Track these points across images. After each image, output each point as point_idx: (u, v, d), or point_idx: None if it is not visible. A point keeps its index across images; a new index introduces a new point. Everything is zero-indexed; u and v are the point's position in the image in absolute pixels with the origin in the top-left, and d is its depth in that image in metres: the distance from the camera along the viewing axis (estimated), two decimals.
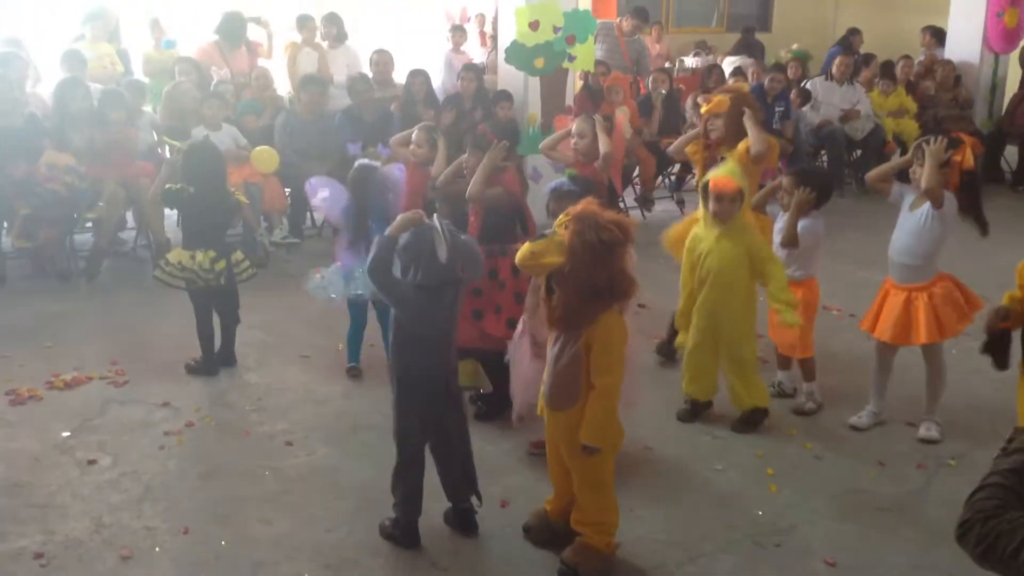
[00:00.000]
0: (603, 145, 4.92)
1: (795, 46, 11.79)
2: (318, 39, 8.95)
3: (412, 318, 3.24)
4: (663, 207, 8.85)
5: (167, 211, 6.95)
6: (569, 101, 8.12)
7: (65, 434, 4.23)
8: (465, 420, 3.49)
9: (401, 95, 8.18)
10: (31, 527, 3.48)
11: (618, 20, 10.28)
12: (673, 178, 9.29)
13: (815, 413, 4.49)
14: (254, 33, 9.06)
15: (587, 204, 3.04)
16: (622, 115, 8.02)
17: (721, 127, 4.81)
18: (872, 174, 4.40)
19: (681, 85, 9.68)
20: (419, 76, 8.13)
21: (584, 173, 4.82)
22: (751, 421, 4.31)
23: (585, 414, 3.08)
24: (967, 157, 4.13)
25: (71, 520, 3.53)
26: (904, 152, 4.47)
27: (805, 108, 9.46)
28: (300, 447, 4.14)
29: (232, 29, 8.38)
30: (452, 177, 4.73)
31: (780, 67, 9.63)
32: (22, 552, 3.32)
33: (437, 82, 8.96)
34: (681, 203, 8.82)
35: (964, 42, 10.27)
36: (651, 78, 9.11)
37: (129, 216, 7.31)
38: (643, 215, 8.56)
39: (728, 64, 10.71)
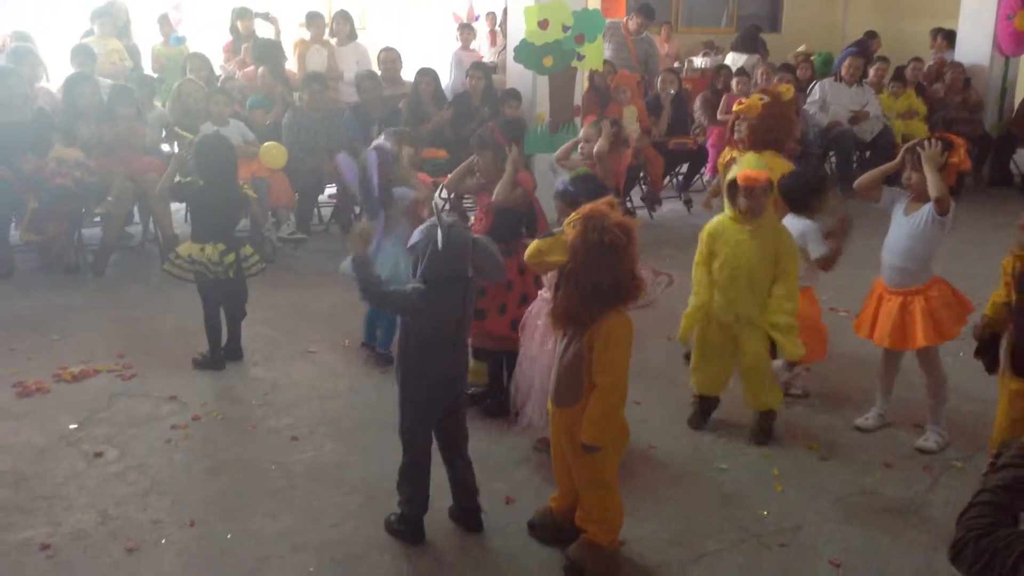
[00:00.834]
0: (596, 146, 4.89)
1: (802, 47, 11.78)
2: (327, 36, 8.98)
3: (417, 320, 3.23)
4: (670, 207, 8.86)
5: (174, 206, 6.99)
6: (577, 101, 8.12)
7: (72, 427, 4.24)
8: (465, 435, 3.46)
9: (409, 93, 8.20)
10: (38, 518, 3.49)
11: (624, 19, 10.27)
12: (680, 178, 9.30)
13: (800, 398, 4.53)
14: (262, 29, 9.09)
15: (598, 204, 3.05)
16: (626, 113, 8.03)
17: (746, 131, 4.74)
18: (860, 182, 4.33)
19: (688, 86, 9.68)
20: (427, 75, 8.16)
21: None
22: (766, 429, 4.20)
23: (586, 413, 3.09)
24: (963, 158, 4.11)
25: (77, 512, 3.54)
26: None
27: (812, 110, 9.45)
28: (306, 442, 4.15)
29: (267, 53, 8.31)
30: (462, 177, 4.74)
31: (789, 67, 9.62)
32: (28, 543, 3.33)
33: (446, 80, 8.98)
34: (688, 203, 8.82)
35: (974, 45, 10.25)
36: (660, 78, 9.11)
37: (136, 211, 7.32)
38: (650, 215, 8.56)
39: (733, 62, 10.68)
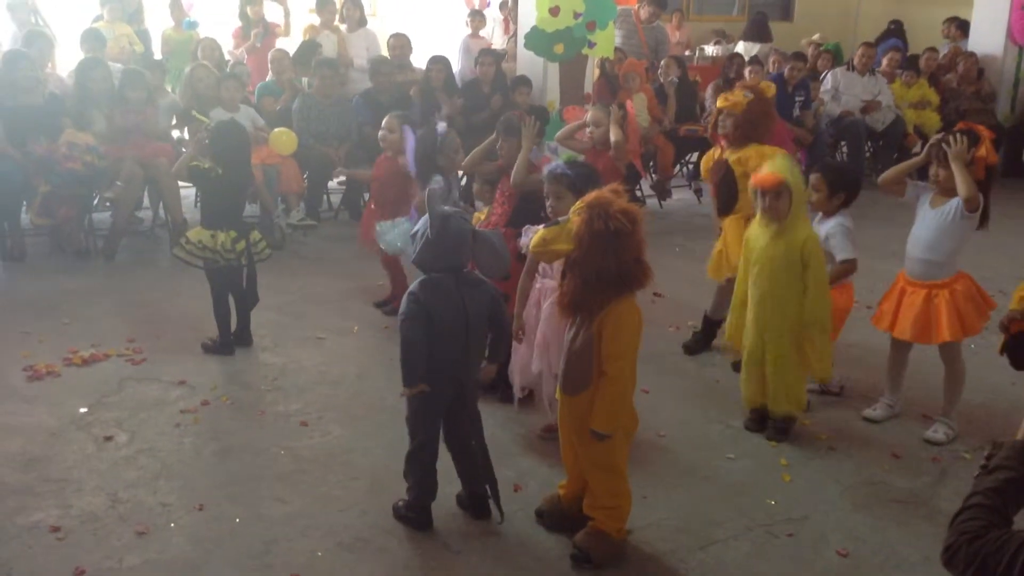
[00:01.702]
0: (613, 134, 4.90)
1: (816, 36, 11.70)
2: (337, 22, 8.96)
3: (417, 312, 3.20)
4: (680, 196, 8.83)
5: (184, 191, 7.00)
6: (588, 88, 8.09)
7: (82, 410, 4.26)
8: (479, 418, 3.43)
9: (420, 80, 8.18)
10: (48, 501, 3.51)
11: (636, 7, 10.22)
12: (691, 166, 9.26)
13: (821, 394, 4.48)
14: (271, 12, 9.08)
15: (602, 191, 3.04)
16: (631, 104, 8.00)
17: (730, 127, 4.75)
18: (885, 177, 4.31)
19: (698, 77, 9.61)
20: (438, 63, 8.14)
21: (599, 162, 4.82)
22: (784, 430, 4.12)
23: (595, 400, 3.09)
24: (990, 150, 4.07)
25: (87, 495, 3.56)
26: (924, 144, 4.38)
27: (825, 97, 9.40)
28: (315, 427, 4.16)
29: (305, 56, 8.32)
30: (480, 159, 4.75)
31: (801, 56, 9.56)
32: (38, 525, 3.35)
33: (455, 67, 8.96)
34: (699, 192, 8.79)
35: (987, 35, 10.17)
36: (662, 65, 9.05)
37: (146, 196, 7.33)
38: (660, 204, 8.53)
39: (744, 50, 10.63)
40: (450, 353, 3.24)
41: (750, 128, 4.69)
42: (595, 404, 3.08)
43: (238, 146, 4.85)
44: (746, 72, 8.90)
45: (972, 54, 10.10)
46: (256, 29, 8.75)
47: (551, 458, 3.78)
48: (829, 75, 9.58)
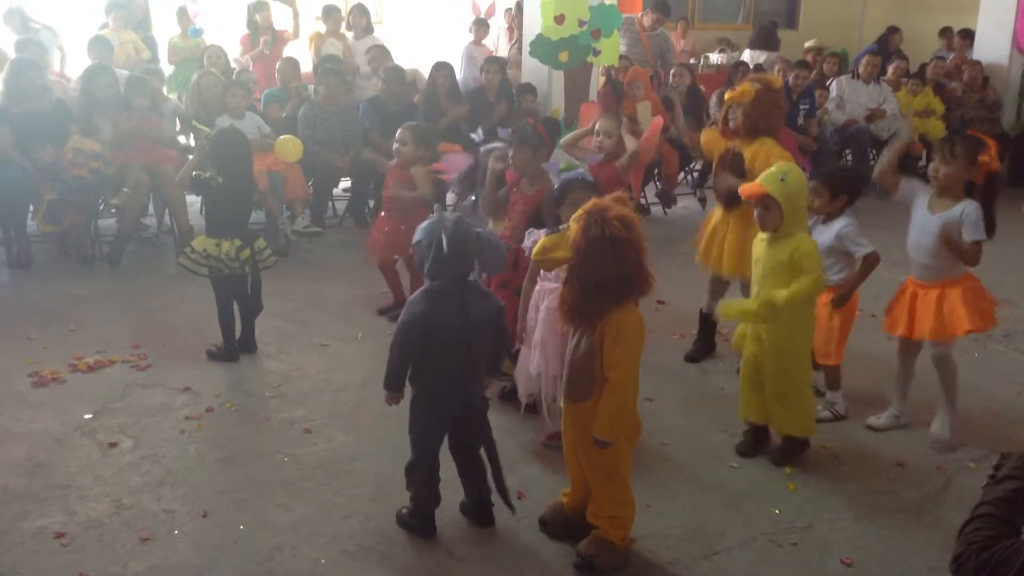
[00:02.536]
0: (630, 143, 4.91)
1: (812, 42, 11.71)
2: (343, 30, 8.99)
3: (418, 326, 3.20)
4: (684, 204, 8.82)
5: (189, 198, 7.02)
6: (592, 96, 8.10)
7: (87, 416, 4.27)
8: (488, 427, 3.42)
9: (425, 87, 8.20)
10: (52, 507, 3.51)
11: (640, 15, 10.23)
12: (695, 175, 9.26)
13: (832, 421, 4.36)
14: (279, 18, 9.11)
15: (602, 199, 3.06)
16: (659, 119, 8.00)
17: (740, 117, 4.70)
18: (880, 170, 4.25)
19: (702, 86, 9.61)
20: (443, 69, 8.16)
21: (603, 172, 4.82)
22: (790, 452, 3.98)
23: (598, 407, 3.09)
24: (993, 157, 4.06)
25: (92, 501, 3.56)
26: (930, 153, 4.37)
27: (830, 105, 9.39)
28: (318, 434, 4.16)
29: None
30: (491, 198, 4.77)
31: (806, 64, 9.56)
32: (43, 531, 3.36)
33: (458, 75, 8.98)
34: (703, 200, 8.78)
35: (993, 43, 10.16)
36: (672, 73, 9.06)
37: (152, 202, 7.34)
38: (664, 212, 8.53)
39: (751, 59, 10.63)
40: (454, 360, 3.23)
41: (759, 118, 4.63)
42: (598, 411, 3.08)
43: (238, 154, 4.86)
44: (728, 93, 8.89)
45: (977, 62, 10.10)
46: (265, 36, 8.78)
47: (555, 466, 3.78)
48: (834, 83, 9.58)
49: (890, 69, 9.84)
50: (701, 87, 9.46)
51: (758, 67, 9.45)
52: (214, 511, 3.52)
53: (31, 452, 3.93)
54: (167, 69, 8.74)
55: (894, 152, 4.26)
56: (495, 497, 3.45)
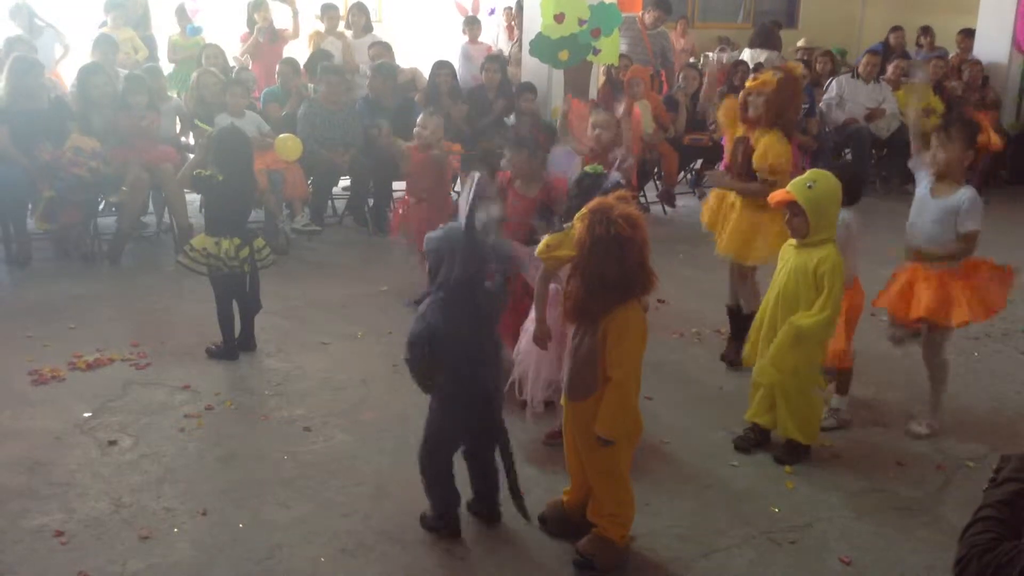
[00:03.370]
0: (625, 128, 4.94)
1: (801, 41, 11.73)
2: (342, 28, 8.98)
3: (437, 336, 3.18)
4: (683, 203, 8.83)
5: (189, 197, 7.02)
6: (593, 95, 8.09)
7: (86, 414, 4.27)
8: (506, 434, 3.41)
9: (426, 85, 8.20)
10: (52, 505, 3.52)
11: (640, 13, 10.22)
12: (694, 174, 9.26)
13: (835, 430, 4.30)
14: (278, 17, 9.10)
15: (606, 197, 3.06)
16: (639, 108, 8.00)
17: (761, 106, 4.67)
18: (914, 147, 4.30)
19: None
20: (444, 68, 8.16)
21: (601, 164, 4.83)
22: (791, 452, 3.98)
23: (600, 406, 3.09)
24: (993, 138, 4.04)
25: (91, 499, 3.57)
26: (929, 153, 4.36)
27: (830, 104, 9.38)
28: (318, 433, 4.16)
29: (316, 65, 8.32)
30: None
31: (805, 63, 9.56)
32: (43, 529, 3.36)
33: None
34: (702, 198, 8.78)
35: (993, 42, 10.16)
36: (681, 75, 9.05)
37: (151, 200, 7.35)
38: (664, 210, 8.54)
39: (751, 59, 10.63)
40: (471, 369, 3.22)
41: (779, 108, 4.63)
42: (600, 410, 3.09)
43: (239, 152, 4.86)
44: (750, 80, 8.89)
45: (977, 62, 10.10)
46: (260, 25, 8.77)
47: (555, 464, 3.78)
48: (834, 82, 9.58)
49: (889, 68, 9.84)
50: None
51: (758, 66, 9.43)
52: (213, 509, 3.52)
53: (30, 450, 3.93)
54: (167, 68, 8.73)
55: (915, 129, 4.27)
56: (503, 496, 3.46)
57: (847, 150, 9.60)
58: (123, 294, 5.99)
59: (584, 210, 3.05)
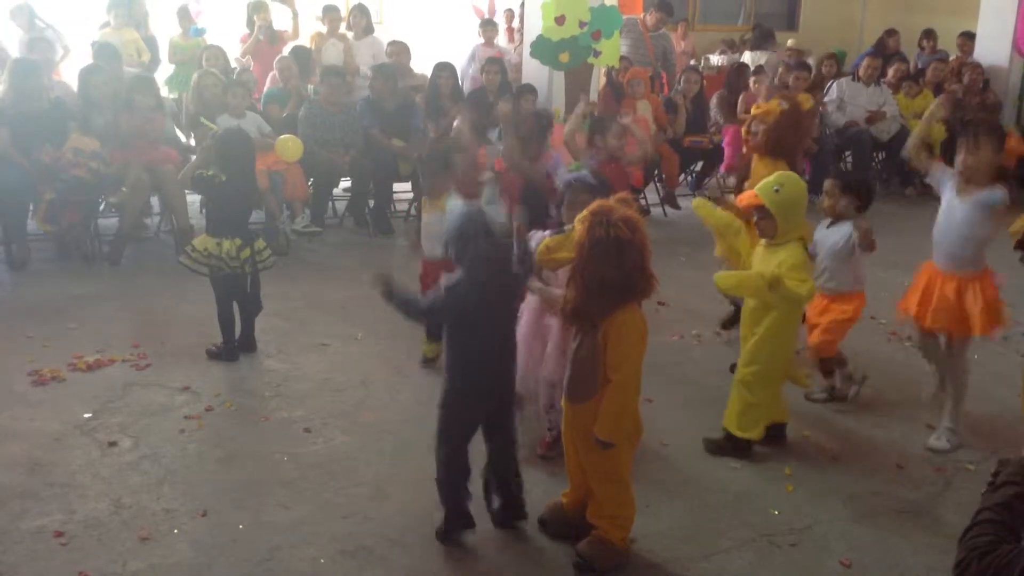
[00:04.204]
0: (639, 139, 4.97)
1: (790, 42, 11.74)
2: (343, 30, 8.99)
3: (462, 328, 3.19)
4: (683, 205, 8.82)
5: (190, 197, 7.02)
6: (593, 96, 8.11)
7: (86, 415, 4.27)
8: (514, 424, 3.42)
9: (427, 87, 8.20)
10: (52, 506, 3.52)
11: (642, 15, 10.23)
12: (695, 176, 9.26)
13: (824, 403, 4.44)
14: (278, 18, 9.12)
15: (607, 200, 3.06)
16: (645, 115, 8.00)
17: (762, 135, 4.72)
18: (911, 144, 4.23)
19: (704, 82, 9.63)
20: (445, 70, 8.16)
21: (605, 170, 4.83)
22: (720, 446, 4.03)
23: (600, 408, 3.09)
24: (1019, 141, 4.06)
25: (91, 500, 3.57)
26: (931, 154, 4.35)
27: (830, 109, 9.39)
28: (318, 434, 4.16)
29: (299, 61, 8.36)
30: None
31: (805, 65, 9.56)
32: (42, 530, 3.36)
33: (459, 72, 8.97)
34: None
35: (993, 45, 10.16)
36: (682, 78, 9.05)
37: (154, 201, 7.35)
38: (665, 212, 8.53)
39: (751, 60, 10.65)
40: (495, 373, 3.24)
41: (777, 139, 4.67)
42: (600, 412, 3.08)
43: (243, 154, 4.86)
44: (751, 82, 8.91)
45: (977, 64, 10.10)
46: (259, 23, 8.78)
47: (554, 467, 3.78)
48: (834, 85, 9.58)
49: (890, 71, 9.84)
50: (703, 84, 9.47)
51: (759, 68, 9.45)
52: (213, 510, 3.52)
53: (30, 451, 3.93)
54: (168, 69, 8.74)
55: (921, 133, 4.24)
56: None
57: (847, 153, 9.60)
58: (123, 295, 5.99)
59: (584, 212, 3.05)
